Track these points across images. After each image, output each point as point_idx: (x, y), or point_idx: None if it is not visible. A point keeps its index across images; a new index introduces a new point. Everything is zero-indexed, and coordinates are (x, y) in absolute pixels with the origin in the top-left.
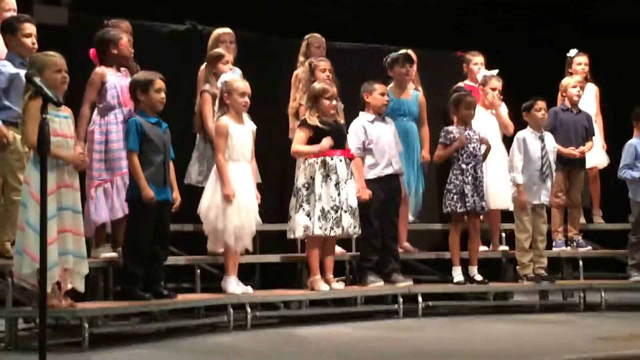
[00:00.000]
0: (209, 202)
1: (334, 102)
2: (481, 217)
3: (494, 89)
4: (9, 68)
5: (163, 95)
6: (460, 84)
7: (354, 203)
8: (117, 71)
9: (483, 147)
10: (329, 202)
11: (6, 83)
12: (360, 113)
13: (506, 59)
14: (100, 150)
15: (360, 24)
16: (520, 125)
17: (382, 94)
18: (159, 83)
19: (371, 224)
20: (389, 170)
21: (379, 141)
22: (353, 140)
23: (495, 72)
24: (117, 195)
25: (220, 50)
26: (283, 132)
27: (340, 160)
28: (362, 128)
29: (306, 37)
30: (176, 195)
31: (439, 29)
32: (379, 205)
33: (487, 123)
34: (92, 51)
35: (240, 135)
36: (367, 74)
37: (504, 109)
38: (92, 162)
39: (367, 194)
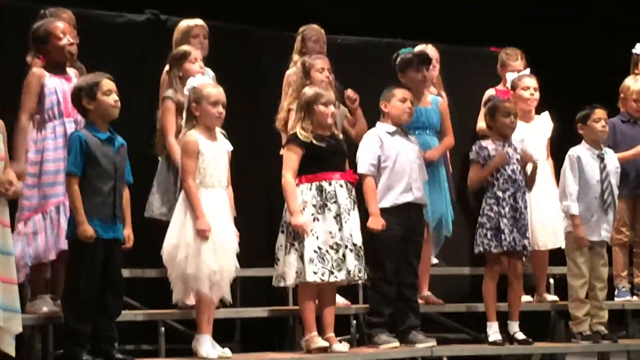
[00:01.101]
0: (176, 239)
1: (332, 108)
2: (524, 259)
3: (526, 88)
4: None
5: (115, 97)
6: (491, 90)
7: (360, 240)
8: (58, 74)
9: (528, 168)
10: (327, 240)
11: None
12: (378, 123)
13: (551, 56)
14: (34, 173)
15: (368, 13)
16: (569, 139)
17: (404, 100)
18: (107, 84)
19: (383, 267)
20: (408, 198)
21: (397, 159)
22: (365, 155)
23: (526, 71)
24: (51, 230)
25: (185, 47)
26: (268, 152)
27: (341, 186)
28: (378, 140)
29: (301, 29)
30: (128, 232)
31: (466, 17)
32: (394, 242)
33: (526, 135)
34: (40, 56)
35: (214, 154)
36: (377, 75)
37: (545, 123)
38: (24, 187)
39: (379, 223)
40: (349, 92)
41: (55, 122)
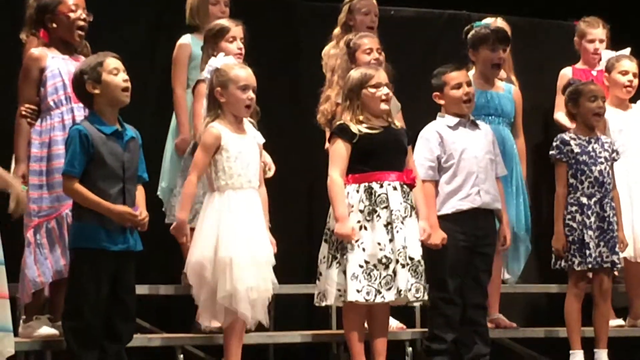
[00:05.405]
0: (203, 253)
1: (385, 90)
2: (616, 273)
3: (624, 73)
4: None
5: (124, 76)
6: (567, 70)
7: (418, 253)
8: (62, 53)
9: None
10: (375, 252)
11: None
12: (438, 115)
13: None
14: (39, 170)
15: None
16: None
17: (458, 86)
18: (113, 62)
19: (445, 285)
20: (474, 202)
21: (462, 157)
22: (422, 157)
23: (626, 51)
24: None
25: (224, 21)
26: (309, 145)
27: (395, 188)
28: (437, 136)
29: None
30: (141, 209)
31: None
32: (457, 255)
33: (624, 126)
34: (42, 31)
35: (241, 149)
36: (437, 54)
37: None
38: (30, 189)
39: (439, 237)
40: None
41: (62, 108)
